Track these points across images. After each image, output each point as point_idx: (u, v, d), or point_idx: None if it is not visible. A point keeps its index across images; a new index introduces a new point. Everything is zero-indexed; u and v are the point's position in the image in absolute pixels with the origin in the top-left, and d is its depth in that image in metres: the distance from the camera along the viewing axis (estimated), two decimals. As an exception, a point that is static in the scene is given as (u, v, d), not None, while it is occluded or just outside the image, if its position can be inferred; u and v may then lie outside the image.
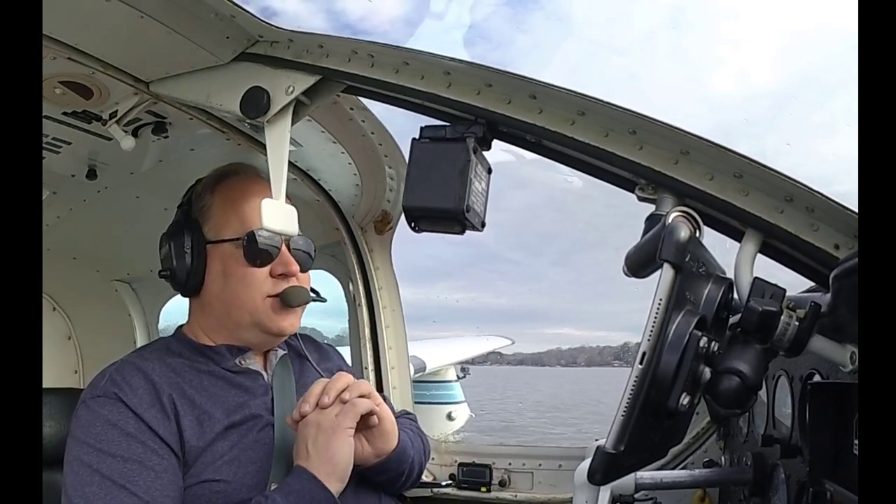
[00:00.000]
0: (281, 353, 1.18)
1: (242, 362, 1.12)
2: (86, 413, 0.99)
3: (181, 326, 1.18)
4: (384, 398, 1.37)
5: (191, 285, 1.12)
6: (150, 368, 1.04)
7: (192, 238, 1.11)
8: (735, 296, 0.73)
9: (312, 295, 1.16)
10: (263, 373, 1.14)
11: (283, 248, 1.10)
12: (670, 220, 0.66)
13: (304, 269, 1.14)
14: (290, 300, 1.09)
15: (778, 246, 0.77)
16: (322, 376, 1.22)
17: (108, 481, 0.91)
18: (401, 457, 1.09)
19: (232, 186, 1.14)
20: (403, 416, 1.33)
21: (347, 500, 1.01)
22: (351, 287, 1.84)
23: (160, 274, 1.14)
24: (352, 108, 1.35)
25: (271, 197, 1.13)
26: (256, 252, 1.08)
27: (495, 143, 0.88)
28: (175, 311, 2.15)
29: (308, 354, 1.24)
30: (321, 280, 1.88)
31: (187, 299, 1.18)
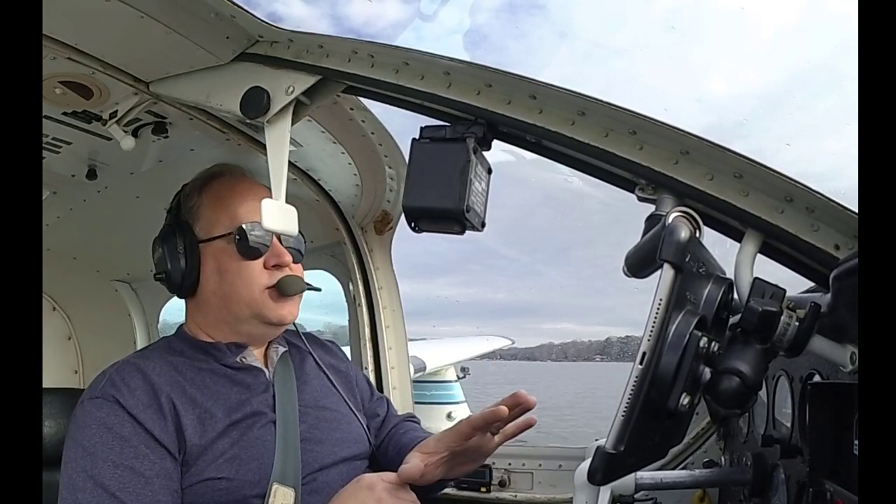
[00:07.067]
0: (282, 349, 1.19)
1: (244, 360, 1.12)
2: (82, 414, 0.99)
3: (182, 325, 1.19)
4: (387, 400, 1.36)
5: (186, 286, 1.12)
6: (150, 368, 1.04)
7: (184, 239, 1.12)
8: (735, 296, 0.73)
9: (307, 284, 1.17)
10: (265, 370, 1.14)
11: (275, 239, 1.11)
12: (670, 221, 0.66)
13: (295, 261, 1.15)
14: (286, 289, 1.10)
15: (778, 246, 0.77)
16: (324, 372, 1.23)
17: (100, 488, 0.92)
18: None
19: (220, 186, 1.16)
20: (408, 420, 1.33)
21: None
22: (351, 287, 1.84)
23: (155, 277, 1.15)
24: (352, 109, 1.35)
25: (259, 194, 1.14)
26: (248, 245, 1.09)
27: (495, 143, 0.88)
28: (176, 310, 2.16)
29: (310, 350, 1.24)
30: (321, 280, 1.88)
31: (183, 301, 1.18)
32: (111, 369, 1.04)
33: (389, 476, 0.96)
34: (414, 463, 1.00)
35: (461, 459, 1.05)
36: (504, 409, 0.97)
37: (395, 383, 1.82)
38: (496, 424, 1.01)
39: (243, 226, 1.09)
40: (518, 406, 1.00)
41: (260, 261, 1.10)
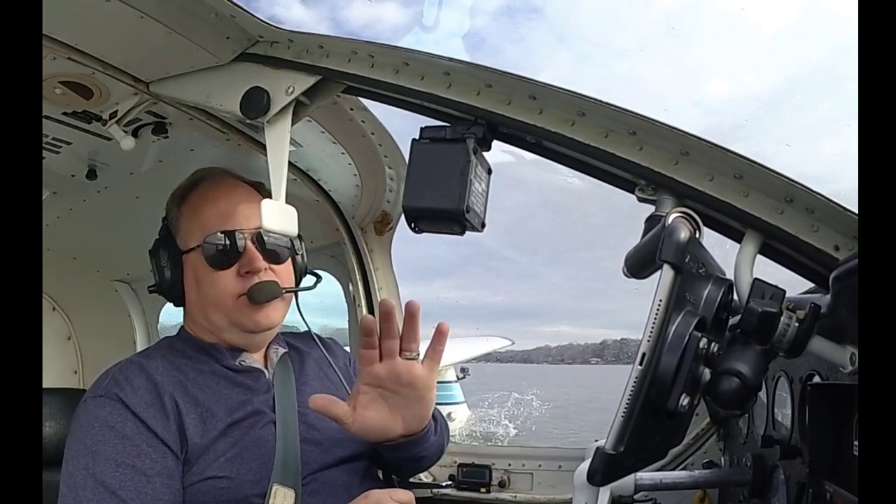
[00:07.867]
0: (282, 351, 1.19)
1: (243, 362, 1.13)
2: (85, 413, 0.99)
3: (183, 326, 1.20)
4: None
5: (175, 297, 1.15)
6: (153, 367, 1.04)
7: (168, 251, 1.13)
8: (735, 297, 0.73)
9: (286, 286, 1.13)
10: (265, 371, 1.14)
11: (249, 244, 1.10)
12: (670, 221, 0.66)
13: (277, 262, 1.13)
14: (255, 297, 1.09)
15: (778, 247, 0.77)
16: (324, 372, 1.23)
17: (101, 486, 0.92)
18: (421, 441, 1.08)
19: (196, 195, 1.16)
20: None
21: (353, 490, 1.02)
22: (351, 288, 1.84)
23: (149, 290, 1.17)
24: (352, 109, 1.35)
25: (238, 195, 1.14)
26: (214, 255, 1.09)
27: (495, 143, 0.88)
28: (175, 312, 2.16)
29: (309, 351, 1.25)
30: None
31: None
32: (114, 368, 1.05)
33: (399, 494, 0.96)
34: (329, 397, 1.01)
35: (395, 402, 1.01)
36: (370, 316, 1.03)
37: (395, 384, 1.82)
38: (394, 343, 0.99)
39: (208, 236, 1.08)
40: (387, 313, 0.98)
41: (232, 269, 1.09)
